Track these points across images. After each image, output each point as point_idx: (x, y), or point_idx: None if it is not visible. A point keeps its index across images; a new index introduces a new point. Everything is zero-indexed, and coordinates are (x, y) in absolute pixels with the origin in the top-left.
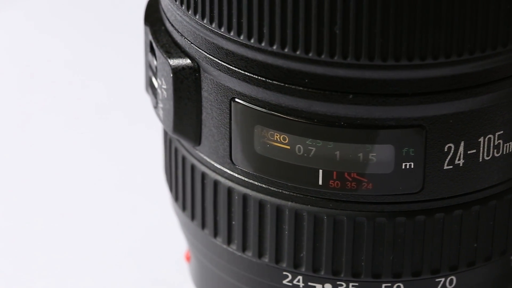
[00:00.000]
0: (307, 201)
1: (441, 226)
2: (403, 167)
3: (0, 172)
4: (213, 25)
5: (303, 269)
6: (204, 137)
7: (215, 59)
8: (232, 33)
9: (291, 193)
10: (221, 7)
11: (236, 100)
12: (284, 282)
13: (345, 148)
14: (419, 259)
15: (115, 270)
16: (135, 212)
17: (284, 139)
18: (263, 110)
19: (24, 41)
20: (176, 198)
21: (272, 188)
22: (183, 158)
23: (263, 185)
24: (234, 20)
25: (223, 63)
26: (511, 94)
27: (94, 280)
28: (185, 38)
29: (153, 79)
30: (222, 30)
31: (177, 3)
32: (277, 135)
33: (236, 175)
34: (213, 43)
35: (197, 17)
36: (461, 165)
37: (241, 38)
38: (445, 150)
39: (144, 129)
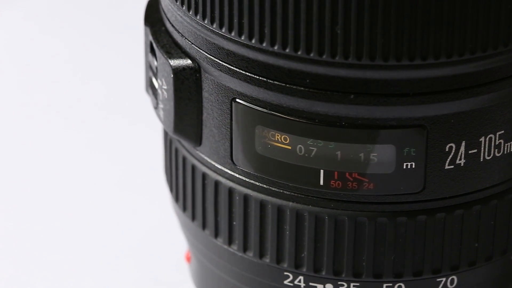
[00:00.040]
0: (308, 201)
1: (442, 226)
2: (404, 167)
3: None
4: (214, 26)
5: (304, 269)
6: (204, 138)
7: (216, 60)
8: (233, 34)
9: (292, 194)
10: (222, 8)
11: (237, 100)
12: (285, 282)
13: (346, 148)
14: (420, 259)
15: (115, 270)
16: (135, 213)
17: (285, 139)
18: (264, 110)
19: (23, 41)
20: (176, 199)
21: (273, 189)
22: (184, 159)
23: (264, 186)
24: (235, 20)
25: (224, 64)
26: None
27: (94, 280)
28: (185, 38)
29: (154, 80)
30: (223, 31)
31: (177, 3)
32: (278, 136)
33: (237, 175)
34: (214, 43)
35: (198, 17)
36: (462, 165)
37: (242, 38)
38: (446, 150)
39: (144, 129)
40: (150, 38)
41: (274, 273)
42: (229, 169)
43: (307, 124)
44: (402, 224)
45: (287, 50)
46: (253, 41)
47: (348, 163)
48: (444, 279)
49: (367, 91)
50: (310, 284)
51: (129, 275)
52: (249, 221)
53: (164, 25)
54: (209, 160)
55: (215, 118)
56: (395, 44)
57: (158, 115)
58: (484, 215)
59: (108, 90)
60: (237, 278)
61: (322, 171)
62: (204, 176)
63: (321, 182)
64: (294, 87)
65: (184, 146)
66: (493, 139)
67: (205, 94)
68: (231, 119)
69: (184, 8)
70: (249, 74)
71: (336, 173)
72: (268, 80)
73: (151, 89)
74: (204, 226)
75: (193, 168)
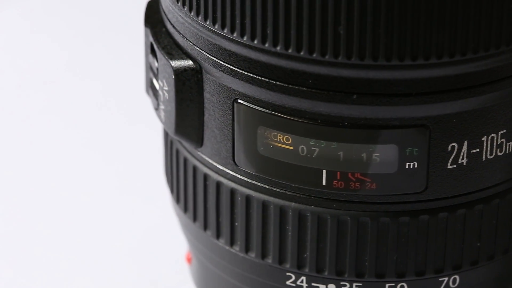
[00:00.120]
0: (310, 201)
1: (444, 225)
2: (407, 167)
3: None
4: (216, 26)
5: (306, 270)
6: (206, 139)
7: (217, 60)
8: (235, 34)
9: (295, 194)
10: (224, 8)
11: (239, 101)
12: (288, 283)
13: (349, 148)
14: (423, 258)
15: (115, 270)
16: (135, 213)
17: (288, 139)
18: (266, 111)
19: (23, 41)
20: (177, 200)
21: (275, 189)
22: (185, 160)
23: (266, 186)
24: (237, 21)
25: (226, 64)
26: None
27: (94, 280)
28: (187, 39)
29: (154, 81)
30: (225, 31)
31: (179, 4)
32: (280, 136)
33: (239, 176)
34: (216, 44)
35: (200, 18)
36: (464, 164)
37: (244, 39)
38: (449, 149)
39: (144, 130)
40: (151, 39)
41: (276, 273)
42: (231, 170)
43: (309, 125)
44: (405, 224)
45: (290, 51)
46: (256, 41)
47: (351, 163)
48: (446, 278)
49: (370, 91)
50: (313, 284)
51: (129, 276)
52: (251, 222)
53: (164, 26)
54: (210, 161)
55: (217, 119)
56: (398, 44)
57: (159, 116)
58: (486, 214)
59: (108, 90)
60: (239, 279)
61: (324, 171)
62: (205, 177)
63: (324, 182)
64: (296, 87)
65: (185, 147)
66: (495, 138)
67: (206, 95)
68: (233, 120)
69: (185, 9)
70: (251, 75)
71: (338, 173)
72: (270, 81)
73: (152, 90)
74: (205, 227)
75: (195, 169)
